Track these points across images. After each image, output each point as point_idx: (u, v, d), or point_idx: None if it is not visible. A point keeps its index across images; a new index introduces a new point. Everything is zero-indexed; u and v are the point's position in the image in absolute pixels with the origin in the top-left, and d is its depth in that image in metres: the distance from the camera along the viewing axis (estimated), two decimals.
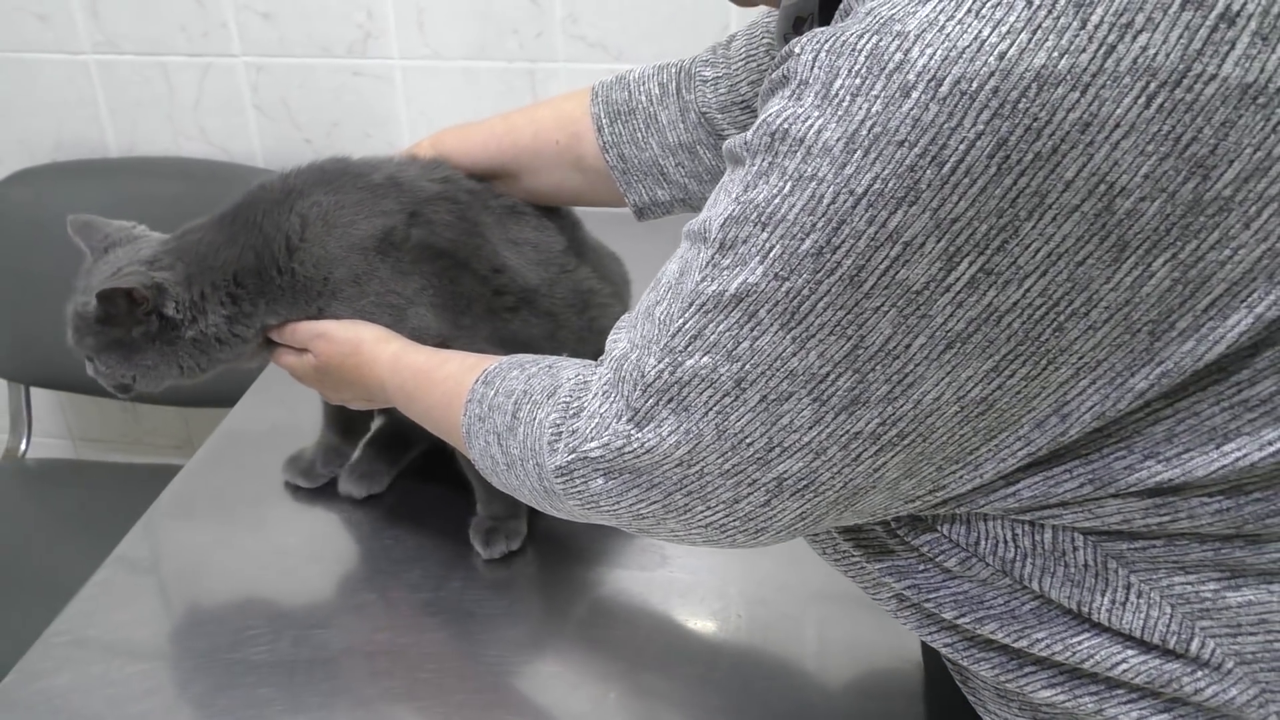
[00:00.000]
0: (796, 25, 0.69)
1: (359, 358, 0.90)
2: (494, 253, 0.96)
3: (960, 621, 0.63)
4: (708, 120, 0.93)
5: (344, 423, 1.09)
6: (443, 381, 0.82)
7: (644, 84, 0.95)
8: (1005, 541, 0.61)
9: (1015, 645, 0.62)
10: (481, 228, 0.96)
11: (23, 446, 1.82)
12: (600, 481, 0.62)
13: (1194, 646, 0.57)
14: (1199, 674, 0.57)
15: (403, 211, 0.92)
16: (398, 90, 1.63)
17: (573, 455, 0.63)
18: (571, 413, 0.65)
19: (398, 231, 0.91)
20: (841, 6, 0.56)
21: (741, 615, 0.93)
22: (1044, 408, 0.53)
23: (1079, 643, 0.60)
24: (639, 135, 0.95)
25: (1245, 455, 0.52)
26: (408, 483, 1.09)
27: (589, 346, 0.99)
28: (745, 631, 0.91)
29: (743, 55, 0.91)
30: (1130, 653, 0.59)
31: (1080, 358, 0.51)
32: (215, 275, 0.90)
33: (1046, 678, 0.63)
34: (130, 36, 1.65)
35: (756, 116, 0.90)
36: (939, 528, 0.63)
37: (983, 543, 0.61)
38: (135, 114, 1.71)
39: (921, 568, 0.65)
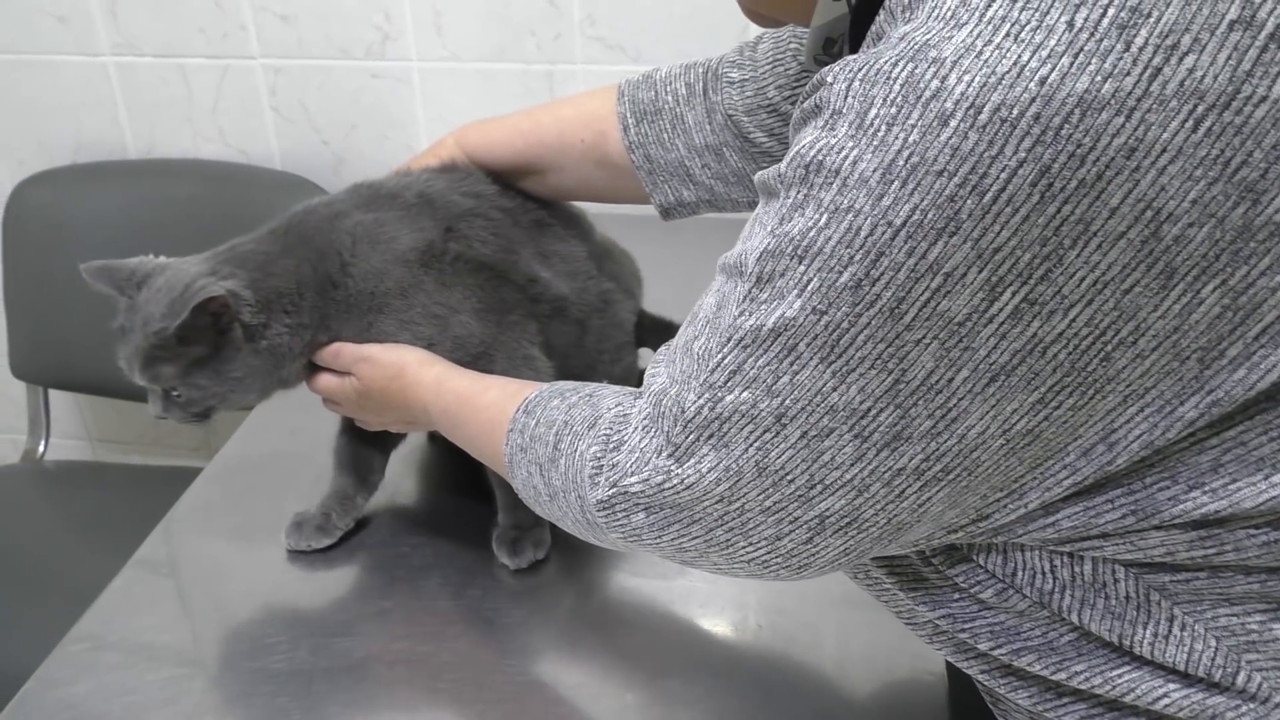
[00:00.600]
0: (827, 46, 0.68)
1: (403, 381, 0.90)
2: (528, 265, 0.97)
3: (996, 653, 0.62)
4: (734, 123, 0.92)
5: (360, 467, 1.04)
6: (486, 409, 0.82)
7: (670, 84, 0.95)
8: (1043, 573, 0.60)
9: (1053, 677, 0.61)
10: (514, 243, 0.97)
11: (41, 448, 1.83)
12: (642, 516, 0.62)
13: (1240, 680, 0.56)
14: (1244, 708, 0.56)
15: (438, 227, 0.94)
16: (415, 92, 1.62)
17: (614, 490, 0.62)
18: (612, 446, 0.64)
19: (436, 245, 0.93)
20: (873, 30, 0.55)
21: (762, 624, 0.92)
22: (1091, 436, 0.52)
23: (1119, 676, 0.59)
24: (665, 136, 0.95)
25: None
26: (426, 490, 1.09)
27: (609, 342, 1.01)
28: (765, 640, 0.90)
29: (769, 59, 0.90)
30: (1173, 686, 0.58)
31: (1128, 386, 0.50)
32: (278, 283, 0.90)
33: (1085, 709, 0.62)
34: (149, 38, 1.65)
35: (782, 120, 0.90)
36: (974, 558, 0.62)
37: (1020, 574, 0.60)
38: (154, 116, 1.72)
39: (956, 598, 0.64)
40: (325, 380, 0.95)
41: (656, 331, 1.12)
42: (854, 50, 0.60)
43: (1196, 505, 0.53)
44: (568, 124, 0.98)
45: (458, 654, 0.90)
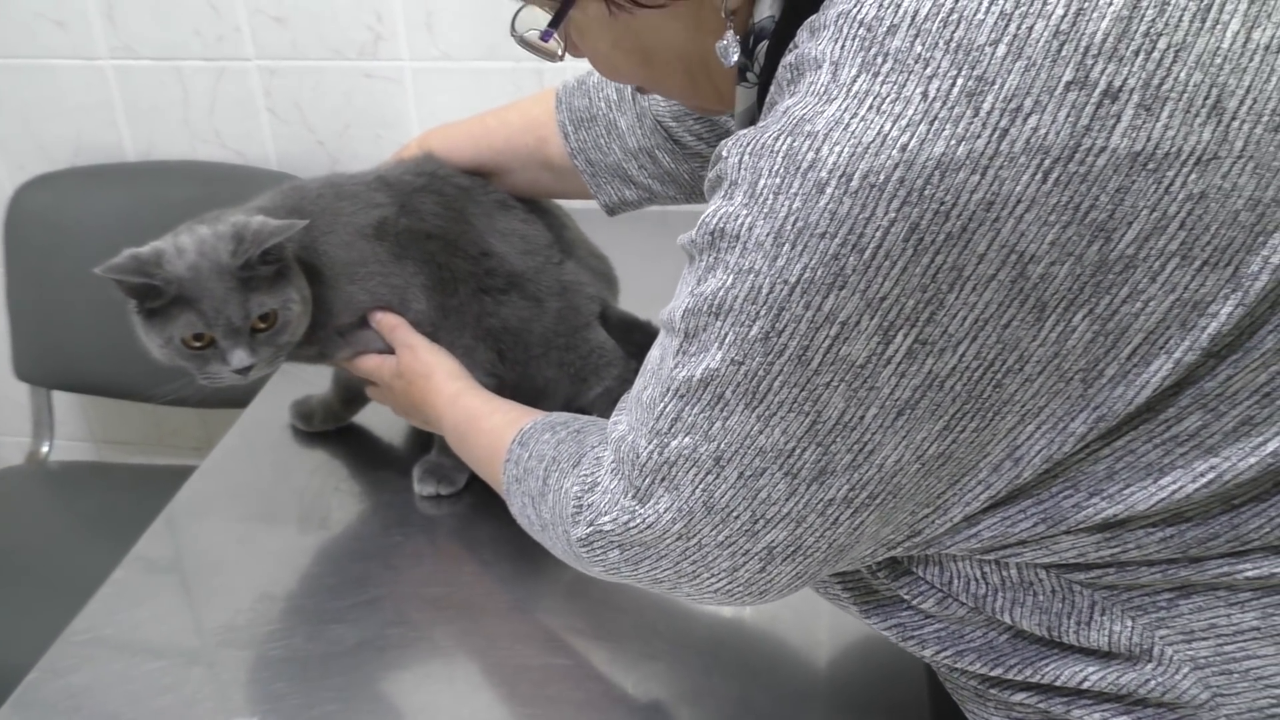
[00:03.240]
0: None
1: (429, 383, 0.97)
2: (481, 238, 1.02)
3: (941, 657, 0.67)
4: (663, 127, 0.97)
5: (345, 395, 1.17)
6: (488, 433, 0.87)
7: (602, 89, 1.00)
8: (976, 579, 0.64)
9: (992, 674, 0.66)
10: (469, 216, 1.03)
11: (45, 449, 1.84)
12: (616, 553, 0.66)
13: (1155, 654, 0.60)
14: (1153, 681, 0.61)
15: (393, 204, 1.00)
16: (408, 92, 1.64)
17: (590, 528, 0.67)
18: (588, 486, 0.68)
19: (389, 221, 1.00)
20: (769, 100, 0.60)
21: (748, 607, 0.94)
22: (998, 453, 0.56)
23: (1045, 665, 0.64)
24: (601, 141, 1.00)
25: (1181, 487, 0.55)
26: (412, 480, 1.10)
27: (565, 324, 1.06)
28: (753, 621, 0.92)
29: None
30: (1092, 669, 0.62)
31: (1023, 406, 0.54)
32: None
33: (1023, 695, 0.66)
34: (146, 42, 1.67)
35: (708, 126, 0.95)
36: (914, 570, 0.66)
37: (955, 582, 0.65)
38: (151, 118, 1.73)
39: (904, 609, 0.68)
40: (368, 359, 1.02)
41: (625, 328, 1.12)
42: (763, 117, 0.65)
43: (1098, 510, 0.57)
44: (514, 130, 1.04)
45: (450, 640, 0.91)
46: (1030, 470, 0.56)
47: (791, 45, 0.57)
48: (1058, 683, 0.63)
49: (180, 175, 1.74)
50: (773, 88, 0.59)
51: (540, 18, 0.68)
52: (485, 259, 1.02)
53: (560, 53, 0.70)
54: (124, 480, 1.78)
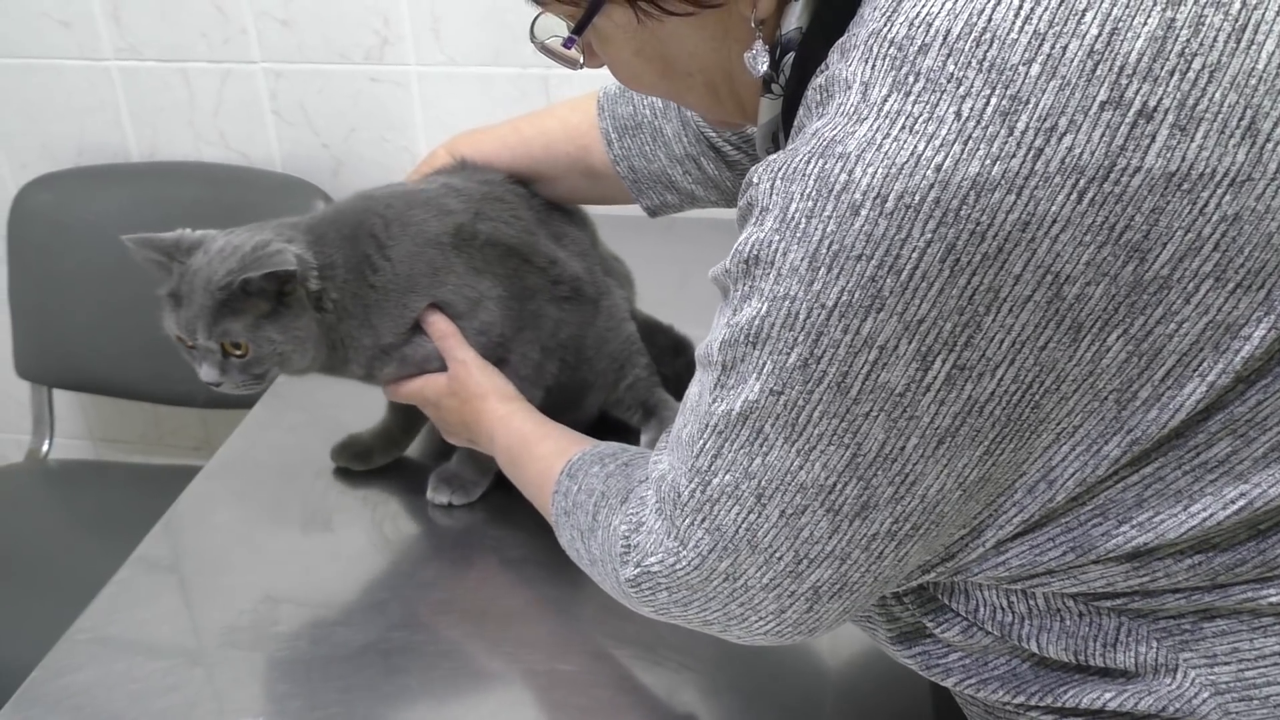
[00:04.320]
0: (775, 139, 0.72)
1: (484, 404, 0.95)
2: (547, 246, 1.01)
3: (963, 686, 0.67)
4: (705, 136, 0.97)
5: (404, 421, 1.13)
6: (538, 460, 0.86)
7: (646, 96, 0.99)
8: (1002, 608, 0.64)
9: (1014, 702, 0.66)
10: (531, 224, 1.02)
11: (45, 447, 1.84)
12: (664, 595, 0.65)
13: (1178, 677, 0.60)
14: (1172, 706, 0.61)
15: (467, 210, 0.98)
16: (414, 96, 1.65)
17: (638, 569, 0.66)
18: (634, 526, 0.67)
19: (466, 228, 0.97)
20: (796, 123, 0.60)
21: None
22: (1033, 473, 0.56)
23: (1064, 690, 0.64)
24: (646, 148, 0.99)
25: (1211, 514, 0.55)
26: (421, 482, 1.10)
27: (614, 320, 1.07)
28: None
29: None
30: (1110, 694, 0.62)
31: (1058, 425, 0.55)
32: (329, 256, 0.93)
33: (1036, 713, 0.66)
34: (152, 43, 1.67)
35: (747, 138, 0.95)
36: (940, 597, 0.66)
37: (981, 610, 0.65)
38: (156, 119, 1.74)
39: (927, 639, 0.68)
40: (413, 381, 0.99)
41: (649, 332, 1.14)
42: (789, 139, 0.64)
43: (1127, 539, 0.57)
44: (553, 138, 1.03)
45: (453, 643, 0.92)
46: (1063, 493, 0.56)
47: (821, 68, 0.57)
48: (1079, 707, 0.63)
49: (184, 176, 1.74)
50: (800, 110, 0.59)
51: (558, 24, 0.68)
52: (553, 267, 1.01)
53: (581, 60, 0.70)
54: (123, 479, 1.78)
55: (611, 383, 1.09)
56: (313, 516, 1.07)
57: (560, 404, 1.03)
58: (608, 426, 1.12)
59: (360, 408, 1.15)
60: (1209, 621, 0.59)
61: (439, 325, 0.97)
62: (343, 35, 1.61)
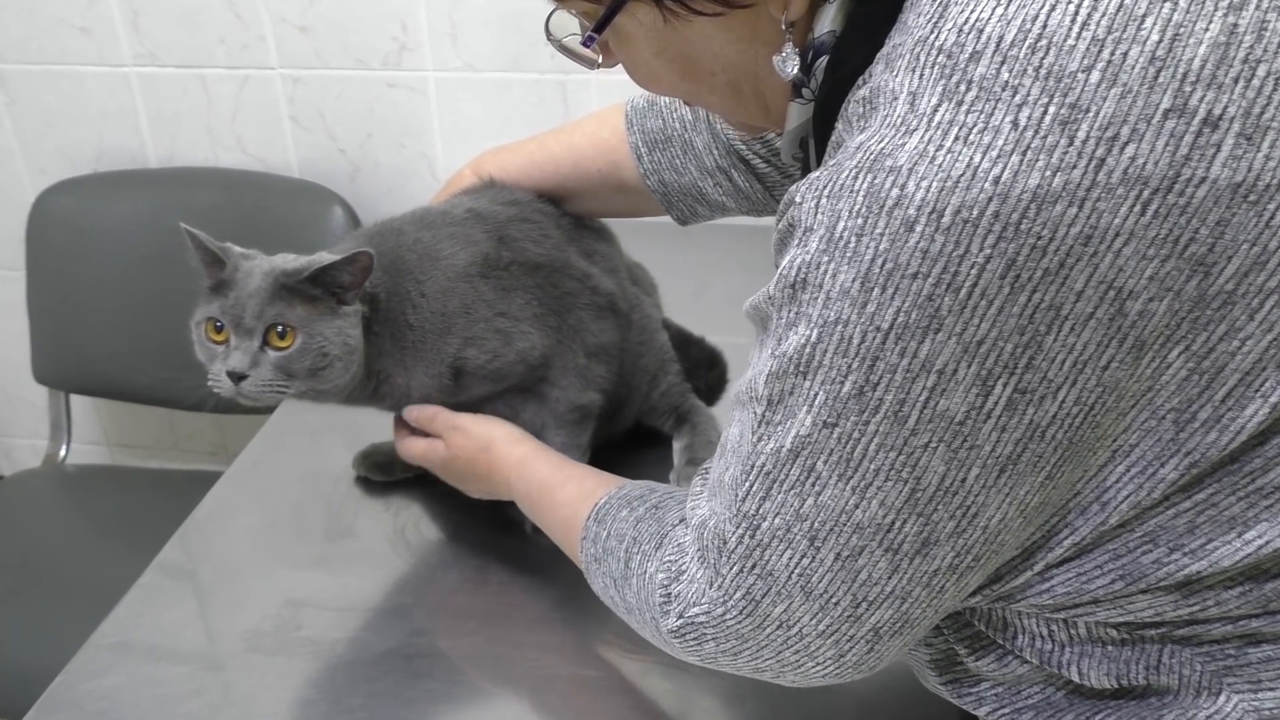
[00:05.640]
0: (803, 144, 0.70)
1: (490, 454, 0.93)
2: (579, 262, 1.01)
3: (996, 716, 0.66)
4: (735, 149, 0.96)
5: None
6: (561, 506, 0.84)
7: (675, 109, 0.98)
8: (1043, 637, 0.62)
9: None
10: (561, 243, 1.01)
11: (62, 452, 1.85)
12: (711, 645, 0.63)
13: (1219, 701, 0.59)
14: (1187, 699, 0.60)
15: (490, 238, 0.96)
16: (431, 102, 1.65)
17: (681, 620, 0.64)
18: (674, 574, 0.65)
19: (492, 256, 0.96)
20: (833, 139, 0.58)
21: None
22: (1087, 494, 0.55)
23: (1096, 716, 0.62)
24: (677, 162, 0.98)
25: (1268, 541, 0.54)
26: (443, 488, 1.10)
27: (646, 334, 1.08)
28: None
29: None
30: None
31: (1114, 441, 0.53)
32: (375, 285, 0.92)
33: None
34: (170, 49, 1.68)
35: (774, 149, 0.93)
36: (976, 623, 0.64)
37: (1020, 638, 0.63)
38: (174, 125, 1.74)
39: (959, 665, 0.66)
40: (414, 445, 0.99)
41: (681, 344, 1.16)
42: (820, 149, 0.63)
43: (1179, 567, 0.55)
44: (582, 155, 1.02)
45: (477, 648, 0.92)
46: (1116, 515, 0.54)
47: (862, 79, 0.55)
48: None
49: (202, 182, 1.75)
50: (839, 124, 0.57)
51: (573, 21, 0.66)
52: (588, 280, 1.01)
53: (599, 60, 0.67)
54: (139, 484, 1.79)
55: (645, 393, 1.09)
56: (335, 521, 1.07)
57: (599, 417, 1.03)
58: (640, 434, 1.12)
59: (380, 414, 1.15)
60: (1254, 647, 0.58)
61: (423, 413, 0.97)
62: (360, 41, 1.62)
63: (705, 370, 1.16)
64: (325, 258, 0.88)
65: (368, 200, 1.74)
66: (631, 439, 1.13)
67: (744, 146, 0.95)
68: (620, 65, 0.69)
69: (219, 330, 0.88)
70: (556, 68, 1.59)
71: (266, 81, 1.68)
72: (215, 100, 1.71)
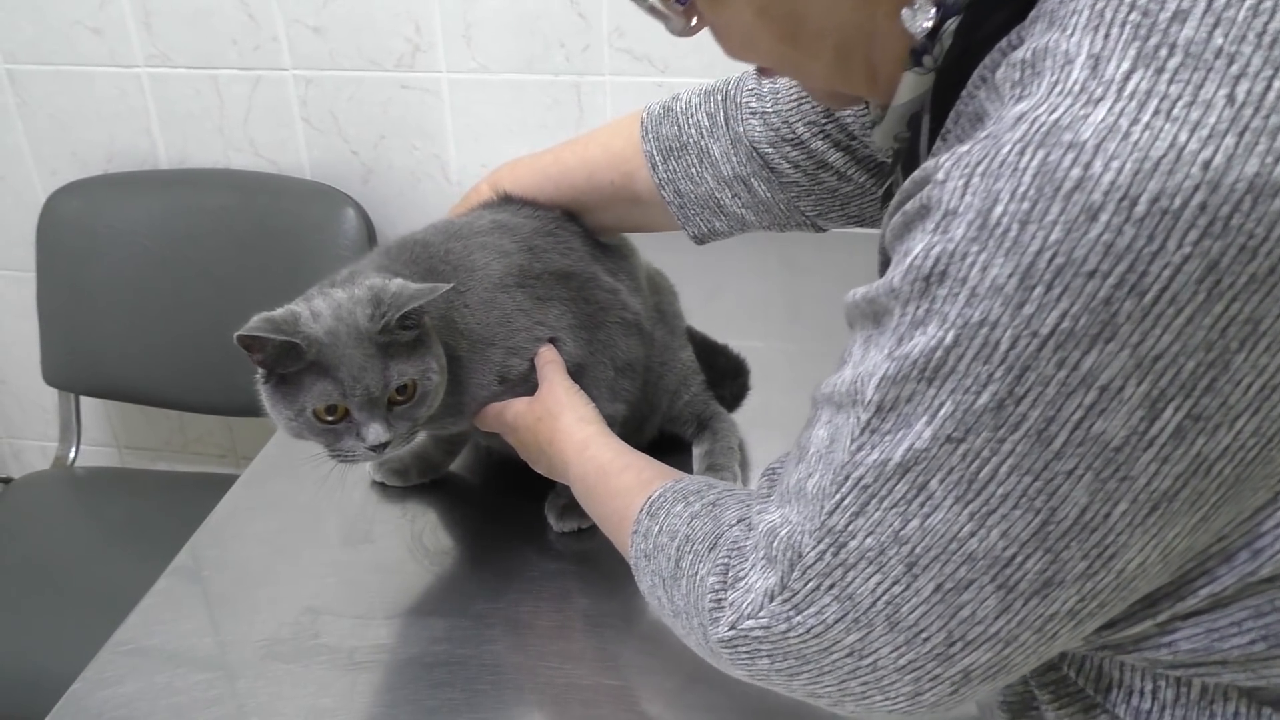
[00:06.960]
0: (911, 122, 0.62)
1: (557, 423, 0.89)
2: (606, 276, 1.01)
3: None
4: (759, 153, 0.90)
5: (447, 445, 1.12)
6: (615, 496, 0.79)
7: (692, 115, 0.93)
8: (1142, 693, 0.55)
9: None
10: (587, 259, 1.01)
11: (72, 455, 1.85)
12: (766, 662, 0.57)
13: None
14: None
15: (521, 248, 0.96)
16: (445, 103, 1.64)
17: (734, 631, 0.57)
18: (730, 581, 0.59)
19: (525, 266, 0.95)
20: (969, 109, 0.51)
21: None
22: (1237, 539, 0.48)
23: None
24: (693, 170, 0.93)
25: None
26: (462, 493, 1.10)
27: (669, 353, 1.09)
28: None
29: (794, 95, 0.88)
30: None
31: (1278, 482, 0.46)
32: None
33: None
34: (182, 50, 1.67)
35: (807, 154, 0.89)
36: (1062, 666, 0.58)
37: (1115, 692, 0.56)
38: (186, 126, 1.74)
39: (1034, 711, 0.60)
40: (491, 407, 0.95)
41: (706, 353, 1.16)
42: (936, 127, 0.56)
43: None
44: (596, 167, 0.98)
45: (497, 656, 0.91)
46: (1270, 567, 0.47)
47: (1009, 41, 0.48)
48: None
49: (213, 184, 1.74)
50: (981, 93, 0.50)
51: None
52: (617, 294, 1.00)
53: (692, 24, 0.60)
54: (149, 487, 1.78)
55: (666, 408, 1.10)
56: (352, 527, 1.06)
57: (623, 430, 1.03)
58: (660, 440, 1.12)
59: None
60: None
61: (545, 354, 0.95)
62: (374, 42, 1.61)
63: (730, 380, 1.16)
64: (404, 296, 0.82)
65: (380, 202, 1.73)
66: (651, 445, 1.12)
67: (772, 150, 0.89)
68: (707, 29, 0.61)
69: (331, 410, 0.83)
70: (570, 69, 1.58)
71: (279, 82, 1.67)
72: (227, 101, 1.70)
